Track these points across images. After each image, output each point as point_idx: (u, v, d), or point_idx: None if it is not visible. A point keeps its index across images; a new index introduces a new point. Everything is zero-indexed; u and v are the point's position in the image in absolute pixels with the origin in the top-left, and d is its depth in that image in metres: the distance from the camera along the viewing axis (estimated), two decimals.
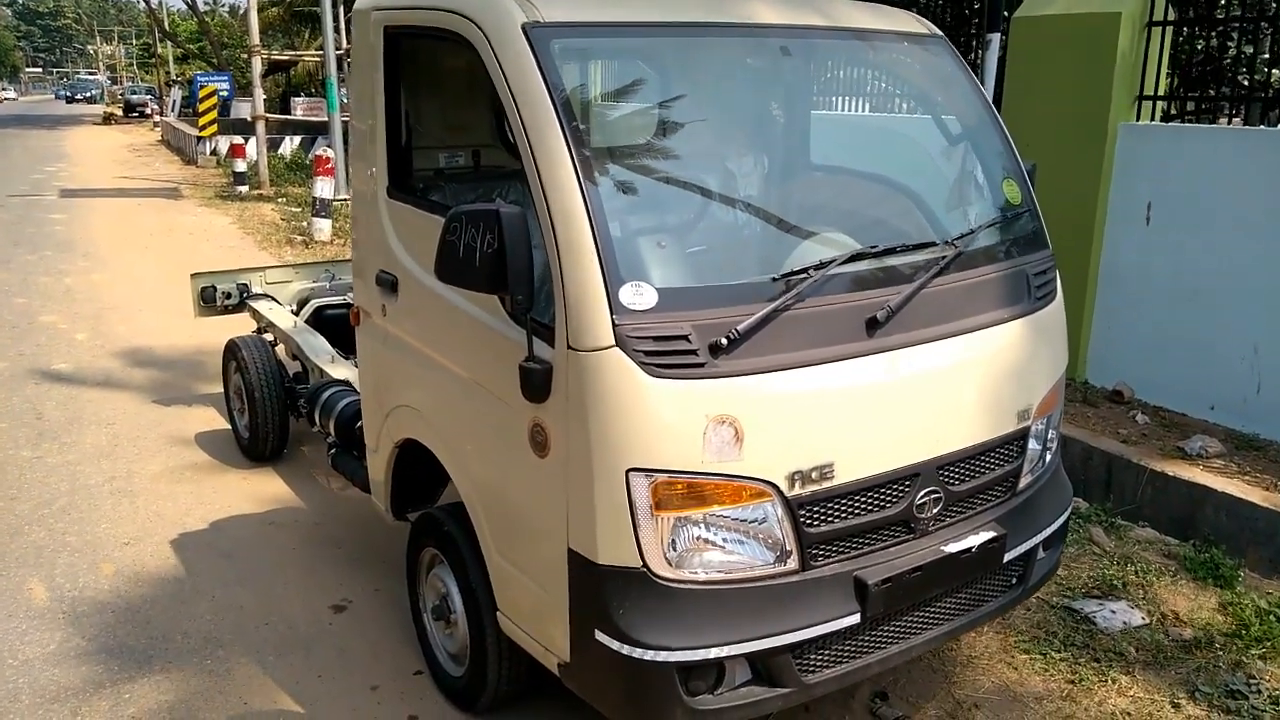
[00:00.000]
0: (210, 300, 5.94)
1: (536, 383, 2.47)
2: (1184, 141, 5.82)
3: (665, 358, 2.36)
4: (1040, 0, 6.44)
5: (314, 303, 5.64)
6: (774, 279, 2.55)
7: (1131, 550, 4.48)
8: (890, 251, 2.77)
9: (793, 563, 2.52)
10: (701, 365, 2.38)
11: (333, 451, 4.22)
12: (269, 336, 5.63)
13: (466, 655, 3.22)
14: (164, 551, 4.39)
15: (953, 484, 2.78)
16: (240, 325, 6.10)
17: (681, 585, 2.44)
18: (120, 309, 8.89)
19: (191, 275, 6.00)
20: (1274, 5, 6.07)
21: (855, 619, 2.57)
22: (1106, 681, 3.50)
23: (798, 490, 2.47)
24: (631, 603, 2.43)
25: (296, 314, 5.69)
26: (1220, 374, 5.54)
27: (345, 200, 13.74)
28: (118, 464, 5.36)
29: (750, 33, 2.92)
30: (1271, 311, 5.29)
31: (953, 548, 2.74)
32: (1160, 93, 6.10)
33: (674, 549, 2.43)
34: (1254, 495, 4.76)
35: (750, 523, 2.47)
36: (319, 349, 5.08)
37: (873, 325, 2.62)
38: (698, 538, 2.45)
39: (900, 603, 2.67)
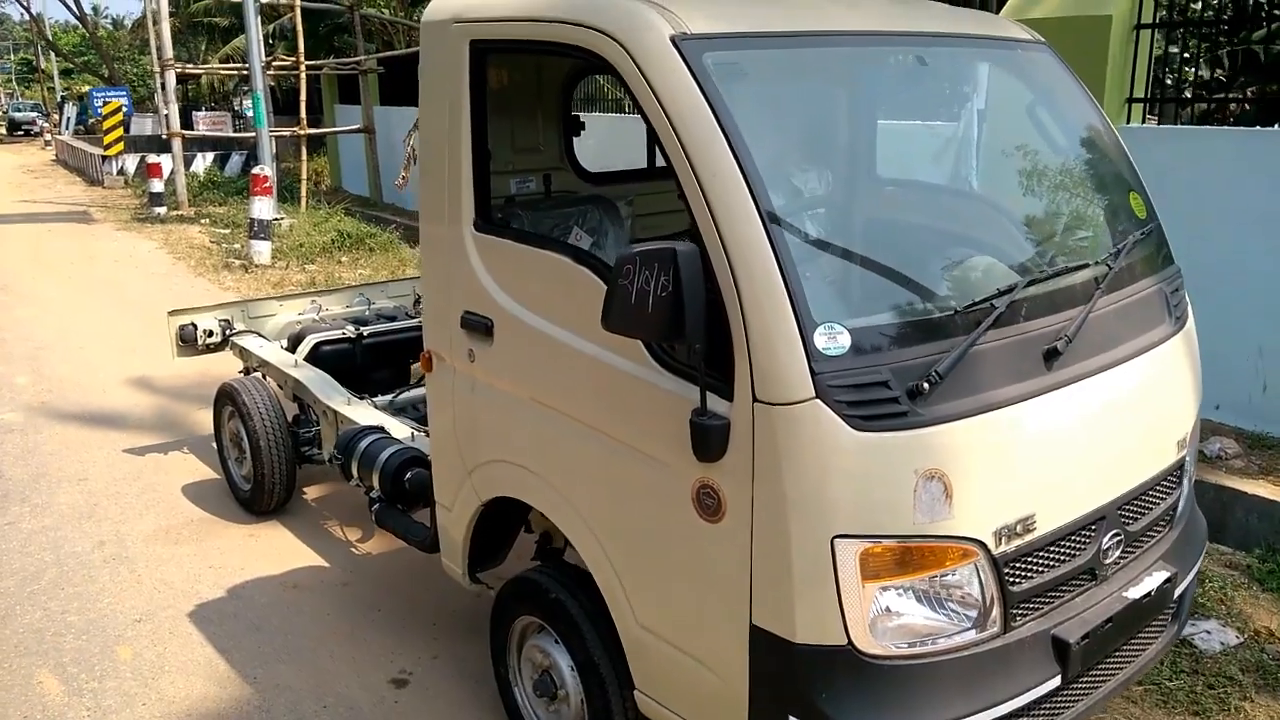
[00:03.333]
0: (190, 340, 5.43)
1: (713, 440, 2.18)
2: (1182, 144, 5.80)
3: (868, 408, 2.10)
4: (1024, 4, 6.36)
5: (310, 339, 5.16)
6: (956, 312, 2.32)
7: None
8: (1058, 274, 2.56)
9: (995, 626, 2.28)
10: (904, 414, 2.13)
11: (376, 506, 3.82)
12: (259, 375, 5.17)
13: None
14: (184, 628, 3.93)
15: (1130, 523, 2.59)
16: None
17: (888, 662, 2.18)
18: (57, 347, 8.20)
19: (169, 312, 5.47)
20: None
21: (1057, 681, 2.35)
22: (1229, 710, 3.37)
23: (1003, 547, 2.24)
24: (836, 685, 2.16)
25: (290, 351, 5.23)
26: (1225, 374, 5.51)
27: (279, 220, 13.09)
28: (103, 526, 4.83)
29: (889, 41, 2.68)
30: (1275, 312, 5.26)
31: (1133, 593, 2.55)
32: (1149, 95, 6.09)
33: (878, 621, 2.17)
34: None
35: (956, 586, 2.23)
36: (331, 391, 4.65)
37: (1051, 356, 2.41)
38: (902, 607, 2.20)
39: (1095, 658, 2.47)
